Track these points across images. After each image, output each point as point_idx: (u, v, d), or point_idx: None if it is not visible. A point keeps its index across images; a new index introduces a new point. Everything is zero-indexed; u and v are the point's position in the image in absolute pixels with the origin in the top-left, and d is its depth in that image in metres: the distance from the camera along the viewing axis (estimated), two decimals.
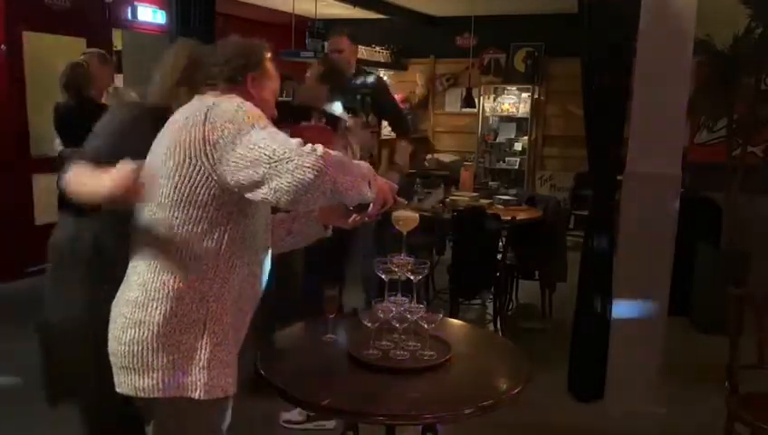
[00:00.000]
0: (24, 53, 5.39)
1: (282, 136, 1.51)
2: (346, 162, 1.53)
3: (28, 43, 5.42)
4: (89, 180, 1.67)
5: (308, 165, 1.42)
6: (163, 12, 6.27)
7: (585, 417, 3.46)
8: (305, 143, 1.47)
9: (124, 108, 2.23)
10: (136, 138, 1.85)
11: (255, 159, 1.46)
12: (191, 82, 1.84)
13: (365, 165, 1.61)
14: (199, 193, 1.56)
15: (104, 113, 2.13)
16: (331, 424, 3.15)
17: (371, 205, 1.65)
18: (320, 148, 1.48)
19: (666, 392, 3.52)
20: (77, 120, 2.22)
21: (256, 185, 1.47)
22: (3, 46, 5.28)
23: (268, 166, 1.44)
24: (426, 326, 1.95)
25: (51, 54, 5.27)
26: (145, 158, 1.68)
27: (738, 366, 2.64)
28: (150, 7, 6.47)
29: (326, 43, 4.34)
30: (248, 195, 1.52)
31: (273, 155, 1.45)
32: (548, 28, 7.85)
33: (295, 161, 1.43)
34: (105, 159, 1.65)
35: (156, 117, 1.83)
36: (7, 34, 5.28)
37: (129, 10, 6.29)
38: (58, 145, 4.24)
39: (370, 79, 4.10)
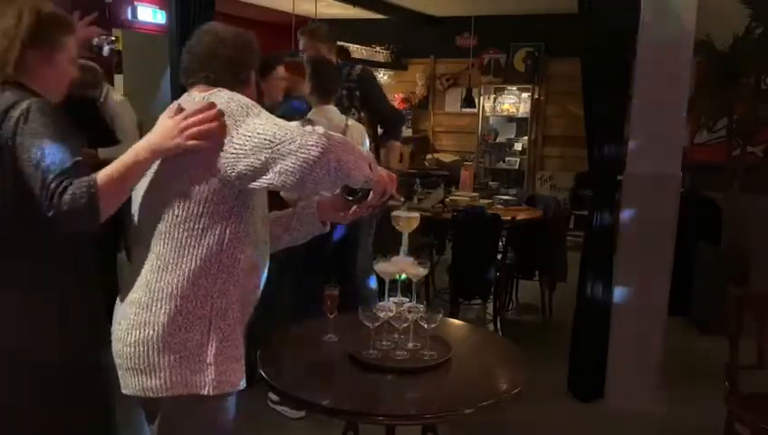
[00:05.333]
0: None
1: (279, 120, 1.51)
2: (348, 142, 1.53)
3: None
4: None
5: (311, 143, 1.42)
6: (163, 12, 6.26)
7: (585, 417, 3.46)
8: (304, 125, 1.47)
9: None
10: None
11: (255, 145, 1.45)
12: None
13: (364, 149, 1.61)
14: (199, 189, 1.55)
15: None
16: (293, 414, 3.23)
17: (371, 194, 1.63)
18: (320, 128, 1.47)
19: (666, 392, 3.52)
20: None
21: (260, 172, 1.46)
22: None
23: (270, 150, 1.44)
24: (426, 326, 1.95)
25: None
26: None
27: (738, 366, 2.64)
28: (150, 7, 6.47)
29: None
30: (252, 184, 1.50)
31: (275, 138, 1.44)
32: (548, 28, 7.84)
33: (298, 141, 1.42)
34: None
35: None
36: None
37: (129, 10, 6.28)
38: None
39: (355, 71, 3.82)
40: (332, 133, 1.48)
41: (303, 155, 1.41)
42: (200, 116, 1.49)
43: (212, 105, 1.49)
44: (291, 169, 1.43)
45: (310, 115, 3.28)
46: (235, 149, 1.48)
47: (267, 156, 1.44)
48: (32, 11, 1.68)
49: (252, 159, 1.46)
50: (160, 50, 4.84)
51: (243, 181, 1.52)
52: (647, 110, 3.39)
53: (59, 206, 1.42)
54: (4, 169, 1.59)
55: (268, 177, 1.46)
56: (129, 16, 6.31)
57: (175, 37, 3.56)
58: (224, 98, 1.56)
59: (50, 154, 1.50)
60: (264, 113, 1.54)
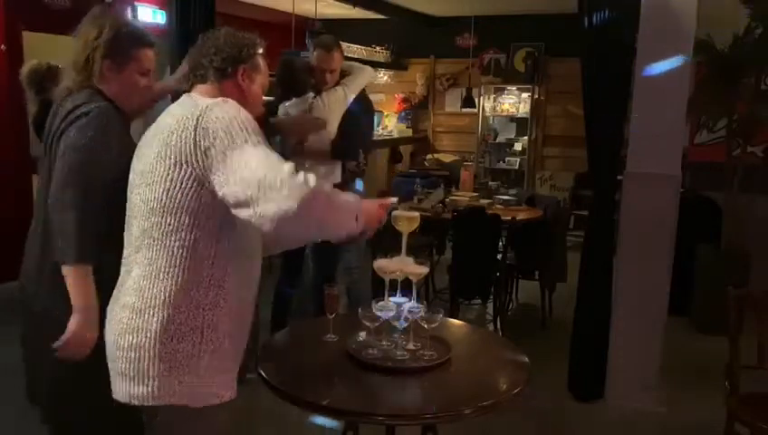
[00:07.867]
0: (24, 53, 5.39)
1: (274, 158, 1.48)
2: (336, 199, 1.52)
3: (28, 43, 5.42)
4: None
5: (296, 197, 1.39)
6: (163, 12, 6.25)
7: (585, 417, 3.46)
8: (298, 170, 1.44)
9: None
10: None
11: (245, 178, 1.43)
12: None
13: (354, 198, 1.59)
14: (191, 200, 1.54)
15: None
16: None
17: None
18: (312, 179, 1.44)
19: (666, 392, 3.52)
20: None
21: (242, 204, 1.45)
22: (3, 46, 5.28)
23: (257, 189, 1.41)
24: (426, 326, 1.95)
25: (51, 54, 5.26)
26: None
27: (738, 366, 2.64)
28: (150, 7, 6.46)
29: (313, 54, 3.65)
30: (233, 211, 1.49)
31: (264, 179, 1.41)
32: (548, 28, 7.84)
33: (284, 192, 1.40)
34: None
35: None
36: (7, 34, 5.27)
37: (129, 10, 6.28)
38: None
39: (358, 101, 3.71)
40: (323, 189, 1.46)
41: (285, 208, 1.39)
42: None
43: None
44: (270, 216, 1.41)
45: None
46: (226, 172, 1.47)
47: (252, 194, 1.42)
48: (112, 27, 1.97)
49: (237, 190, 1.45)
50: (160, 50, 4.83)
51: (226, 203, 1.50)
52: (647, 110, 3.39)
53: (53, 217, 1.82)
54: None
55: (248, 212, 1.44)
56: (129, 16, 6.31)
57: (175, 38, 3.56)
58: (229, 113, 1.53)
59: (71, 171, 1.82)
60: (263, 146, 1.51)
